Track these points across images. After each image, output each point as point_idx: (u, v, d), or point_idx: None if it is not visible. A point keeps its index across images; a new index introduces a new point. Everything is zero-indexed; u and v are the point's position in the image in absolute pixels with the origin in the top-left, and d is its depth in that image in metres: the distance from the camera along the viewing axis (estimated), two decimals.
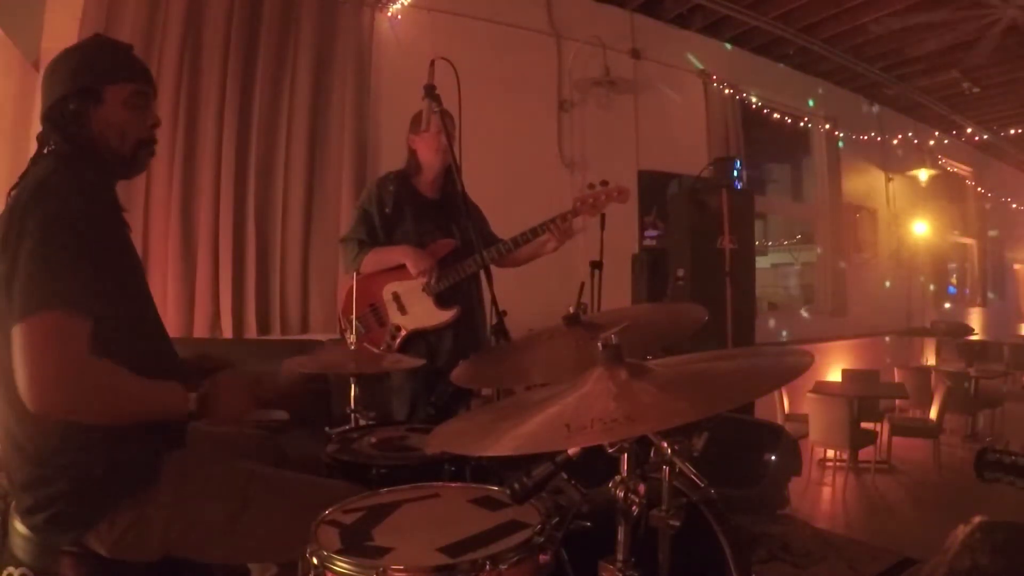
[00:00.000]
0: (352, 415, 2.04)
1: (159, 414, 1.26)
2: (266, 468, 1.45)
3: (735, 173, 4.65)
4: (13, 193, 1.26)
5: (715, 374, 1.07)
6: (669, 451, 1.00)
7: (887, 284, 7.51)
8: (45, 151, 1.34)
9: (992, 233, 9.92)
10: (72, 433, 1.19)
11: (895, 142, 7.50)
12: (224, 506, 1.30)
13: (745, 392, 1.03)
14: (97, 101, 1.34)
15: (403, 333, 2.54)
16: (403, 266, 2.50)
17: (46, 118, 1.35)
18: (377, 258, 2.54)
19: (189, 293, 3.45)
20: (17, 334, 1.11)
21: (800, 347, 1.10)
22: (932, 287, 8.32)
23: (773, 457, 2.85)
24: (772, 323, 6.23)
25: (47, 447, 1.22)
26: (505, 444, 0.91)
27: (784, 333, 6.20)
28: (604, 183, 2.51)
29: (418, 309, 2.54)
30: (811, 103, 6.57)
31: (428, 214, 2.59)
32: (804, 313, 6.72)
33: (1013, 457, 1.30)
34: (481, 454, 0.92)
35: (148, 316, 1.42)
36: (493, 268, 2.30)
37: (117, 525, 1.23)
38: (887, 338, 7.22)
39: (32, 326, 1.11)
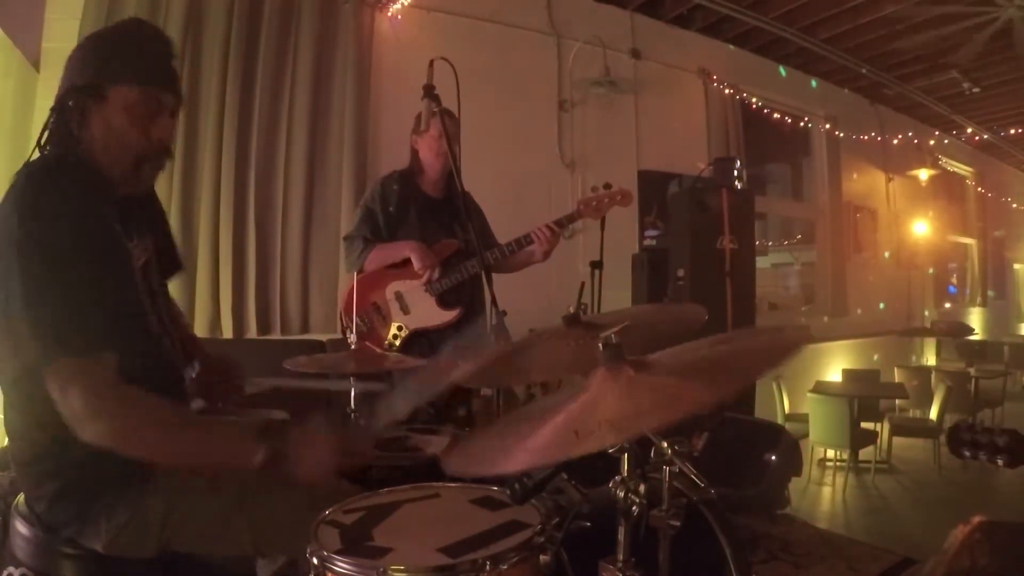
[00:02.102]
0: (352, 415, 2.03)
1: (220, 458, 1.19)
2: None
3: (735, 173, 4.63)
4: None
5: (717, 358, 1.07)
6: (669, 451, 1.00)
7: (887, 284, 7.51)
8: (33, 159, 1.22)
9: (998, 233, 9.92)
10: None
11: (895, 142, 7.50)
12: (222, 499, 1.30)
13: (749, 372, 1.02)
14: (99, 99, 1.20)
15: (405, 333, 2.55)
16: (407, 265, 2.50)
17: (51, 113, 1.24)
18: (382, 254, 2.55)
19: (189, 293, 3.44)
20: (47, 377, 1.10)
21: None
22: (932, 270, 8.29)
23: (773, 457, 2.85)
24: (772, 324, 6.22)
25: (43, 433, 1.20)
26: (519, 459, 0.91)
27: None
28: (607, 186, 2.53)
29: (421, 309, 2.54)
30: (813, 84, 6.54)
31: (432, 214, 2.59)
32: (825, 319, 6.62)
33: (988, 435, 1.31)
34: (497, 472, 0.92)
35: (146, 340, 1.34)
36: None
37: (114, 521, 1.22)
38: (887, 338, 7.22)
39: (55, 371, 1.09)
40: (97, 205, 1.18)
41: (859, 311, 6.82)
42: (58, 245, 1.10)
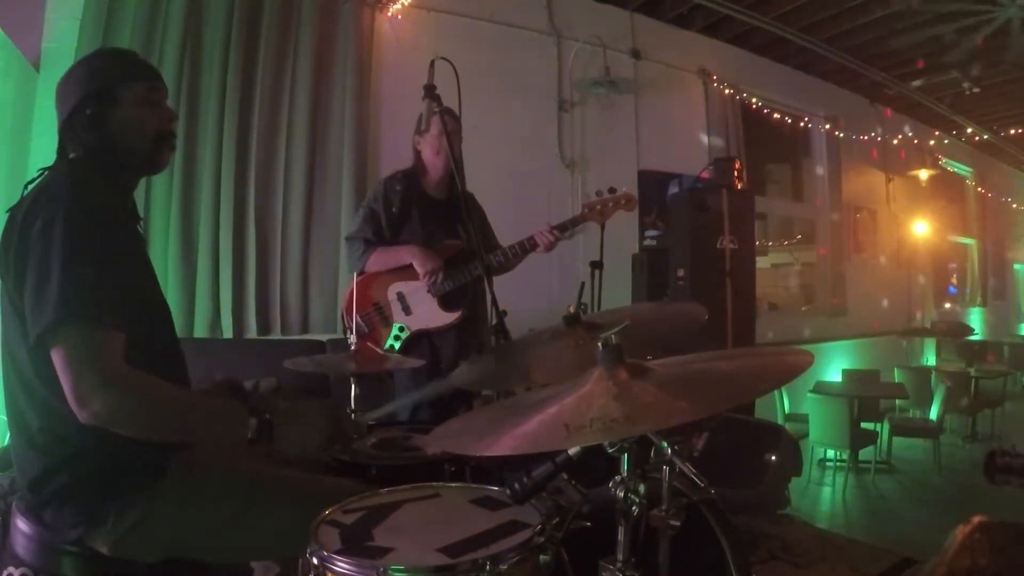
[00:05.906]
0: (352, 415, 2.03)
1: (213, 432, 1.25)
2: (272, 466, 1.45)
3: (735, 173, 4.63)
4: (22, 202, 1.25)
5: (715, 374, 1.07)
6: (669, 451, 1.00)
7: (887, 284, 7.51)
8: (60, 161, 1.36)
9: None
10: (82, 427, 1.17)
11: (895, 142, 7.49)
12: (229, 505, 1.30)
13: (745, 392, 1.02)
14: (113, 102, 1.37)
15: (407, 334, 2.55)
16: (409, 266, 2.50)
17: (64, 129, 1.38)
18: (384, 257, 2.54)
19: (189, 293, 3.44)
20: (54, 352, 1.12)
21: (799, 347, 1.10)
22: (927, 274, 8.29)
23: (773, 457, 2.84)
24: (772, 323, 6.22)
25: (56, 437, 1.22)
26: (504, 444, 0.91)
27: (784, 333, 6.19)
28: (612, 190, 2.54)
29: (423, 310, 2.54)
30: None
31: (434, 214, 2.59)
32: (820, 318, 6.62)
33: (1021, 460, 1.33)
34: (480, 454, 0.92)
35: (159, 326, 1.41)
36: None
37: (122, 523, 1.22)
38: (887, 338, 7.22)
39: (64, 341, 1.12)
40: (123, 201, 1.41)
41: (859, 311, 6.81)
42: (92, 231, 1.20)
